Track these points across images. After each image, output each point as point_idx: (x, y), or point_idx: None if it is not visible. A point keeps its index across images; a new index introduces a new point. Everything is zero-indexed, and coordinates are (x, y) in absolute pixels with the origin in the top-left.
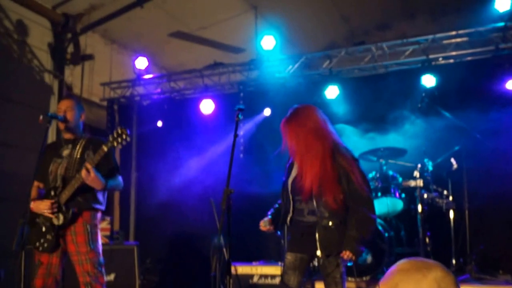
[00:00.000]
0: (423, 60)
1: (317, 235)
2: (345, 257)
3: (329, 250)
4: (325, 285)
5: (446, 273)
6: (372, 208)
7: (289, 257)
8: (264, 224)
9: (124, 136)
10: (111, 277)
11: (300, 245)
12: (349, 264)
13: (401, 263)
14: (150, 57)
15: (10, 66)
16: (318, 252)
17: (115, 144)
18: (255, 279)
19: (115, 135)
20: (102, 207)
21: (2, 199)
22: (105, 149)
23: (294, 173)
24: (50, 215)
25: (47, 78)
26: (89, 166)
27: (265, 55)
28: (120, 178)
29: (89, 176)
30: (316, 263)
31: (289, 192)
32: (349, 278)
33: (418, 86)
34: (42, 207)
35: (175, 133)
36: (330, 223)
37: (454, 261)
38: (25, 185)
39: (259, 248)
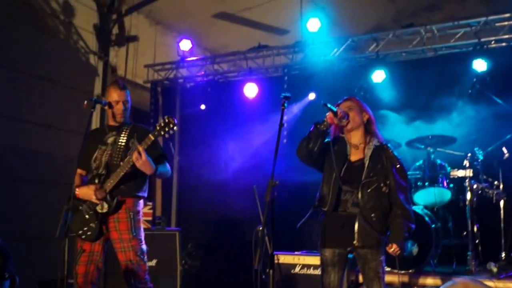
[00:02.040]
0: (474, 44)
1: (356, 225)
2: (391, 251)
3: (367, 241)
4: (367, 279)
5: None
6: (411, 207)
7: (327, 253)
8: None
9: (171, 125)
10: (153, 262)
11: (338, 239)
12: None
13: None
14: (194, 38)
15: (56, 47)
16: (355, 242)
17: (162, 133)
18: (297, 269)
19: (162, 124)
20: (145, 195)
21: (43, 181)
22: (152, 138)
23: (339, 160)
24: (96, 201)
25: (92, 59)
26: (140, 148)
27: (310, 37)
28: (168, 165)
29: (140, 159)
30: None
31: (339, 180)
32: (394, 271)
33: (469, 70)
34: (89, 192)
35: (218, 116)
36: (373, 215)
37: (503, 255)
38: (66, 168)
39: (302, 238)
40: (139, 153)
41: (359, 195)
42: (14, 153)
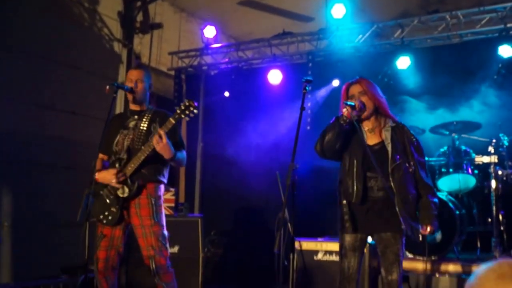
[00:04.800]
0: (500, 29)
1: (397, 209)
2: (427, 232)
3: (397, 227)
4: (387, 262)
5: None
6: (431, 180)
7: (348, 238)
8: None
9: (191, 109)
10: (175, 249)
11: (362, 224)
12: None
13: (482, 275)
14: (219, 26)
15: (81, 35)
16: (403, 226)
17: (183, 116)
18: (320, 255)
19: (182, 107)
20: (165, 180)
21: (69, 167)
22: (173, 121)
23: (358, 146)
24: (117, 185)
25: (116, 46)
26: (161, 132)
27: (335, 24)
28: (184, 154)
29: (161, 142)
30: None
31: (361, 167)
32: (417, 257)
33: (495, 56)
34: (108, 176)
35: (242, 103)
36: (410, 197)
37: None
38: (92, 154)
39: (324, 223)
40: (160, 136)
41: (391, 181)
42: (39, 139)
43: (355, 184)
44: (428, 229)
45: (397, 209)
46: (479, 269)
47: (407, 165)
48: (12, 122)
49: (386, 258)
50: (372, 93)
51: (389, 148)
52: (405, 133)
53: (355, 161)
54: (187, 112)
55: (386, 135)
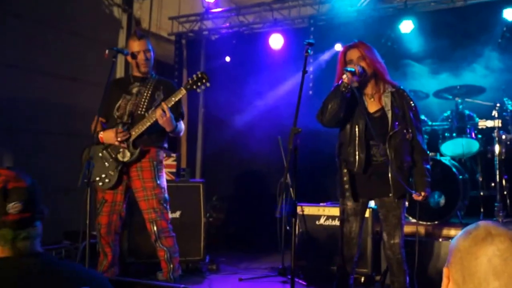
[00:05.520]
0: None
1: (390, 176)
2: (420, 198)
3: (401, 192)
4: (390, 226)
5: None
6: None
7: (350, 203)
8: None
9: (204, 81)
10: (177, 214)
11: (364, 189)
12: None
13: (460, 237)
14: None
15: (79, 0)
16: (391, 194)
17: (194, 87)
18: (322, 220)
19: (195, 78)
20: (166, 145)
21: (67, 133)
22: (184, 91)
23: (359, 114)
24: (118, 144)
25: (116, 12)
26: (165, 106)
27: None
28: (182, 125)
29: (164, 116)
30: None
31: (364, 136)
32: (420, 221)
33: (499, 20)
34: (112, 134)
35: (243, 68)
36: (405, 165)
37: None
38: (90, 120)
39: (327, 188)
40: (164, 111)
41: (387, 149)
42: (39, 106)
43: (357, 153)
44: (422, 194)
45: (389, 175)
46: (461, 231)
47: (405, 131)
48: (11, 88)
49: (389, 222)
50: (371, 58)
51: (389, 115)
52: (404, 98)
53: (356, 130)
54: (199, 83)
55: (386, 101)
